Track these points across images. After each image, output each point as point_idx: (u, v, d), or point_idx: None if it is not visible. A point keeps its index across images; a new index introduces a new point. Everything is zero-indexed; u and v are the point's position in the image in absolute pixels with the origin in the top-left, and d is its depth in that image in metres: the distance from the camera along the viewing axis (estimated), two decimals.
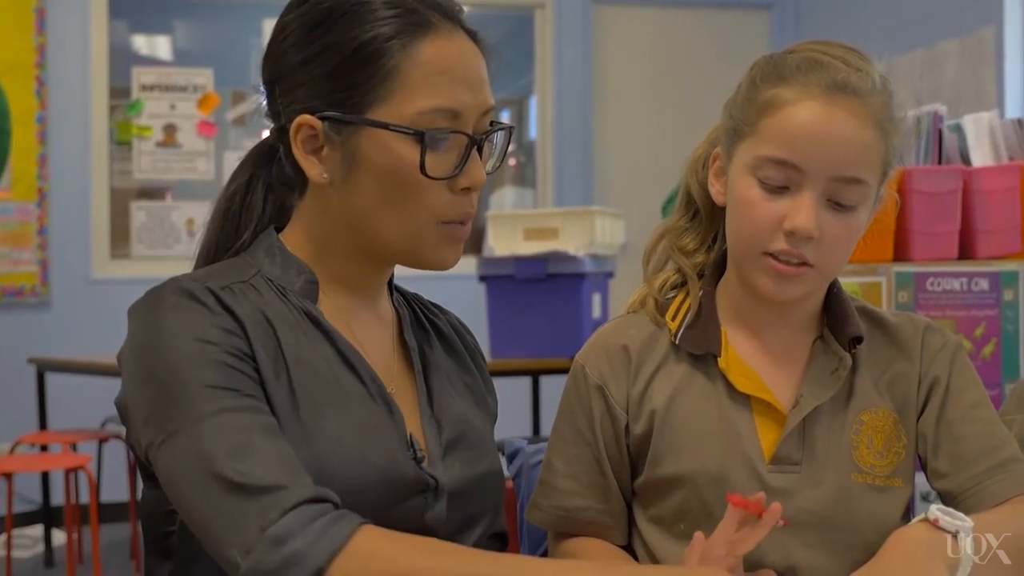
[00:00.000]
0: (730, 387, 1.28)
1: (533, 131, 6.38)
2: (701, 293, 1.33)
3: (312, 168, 1.19)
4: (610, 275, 4.24)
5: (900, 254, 2.67)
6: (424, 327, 1.34)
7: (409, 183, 1.16)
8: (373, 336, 1.26)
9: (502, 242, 4.09)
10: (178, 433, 1.06)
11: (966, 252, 2.74)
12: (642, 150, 6.15)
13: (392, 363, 1.27)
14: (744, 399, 1.28)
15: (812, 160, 1.21)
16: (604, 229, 4.15)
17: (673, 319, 1.33)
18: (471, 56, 1.19)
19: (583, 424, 1.32)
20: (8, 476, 3.98)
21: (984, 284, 2.65)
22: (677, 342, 1.31)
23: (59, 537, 5.03)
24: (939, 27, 5.06)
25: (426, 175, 1.15)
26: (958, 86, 4.90)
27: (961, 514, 1.14)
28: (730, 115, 1.29)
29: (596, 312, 4.04)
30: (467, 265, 4.64)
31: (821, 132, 1.20)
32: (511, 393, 4.63)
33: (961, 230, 2.72)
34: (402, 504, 1.17)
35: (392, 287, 1.34)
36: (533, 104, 6.35)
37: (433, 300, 1.42)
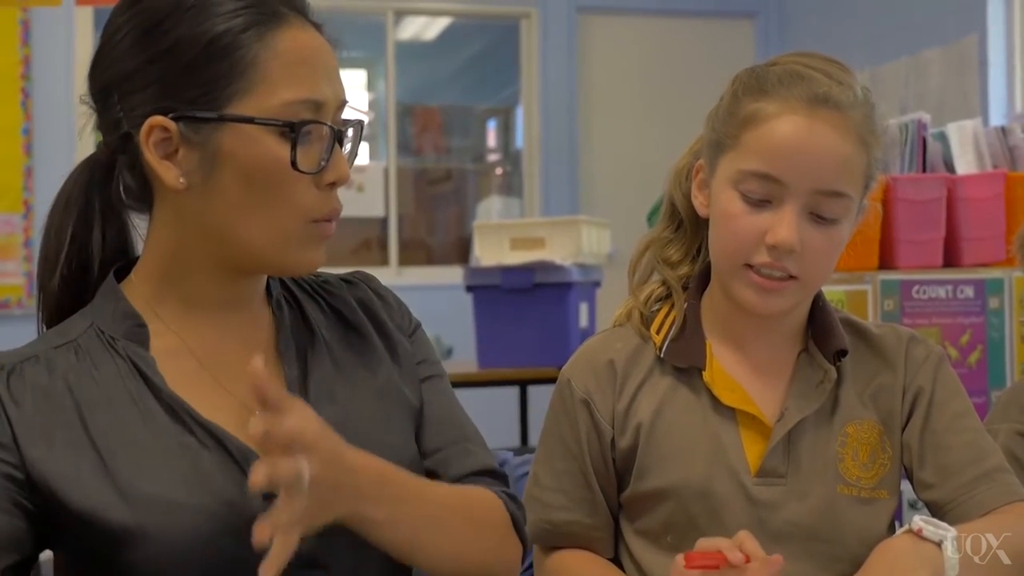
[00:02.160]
0: (715, 400, 1.28)
1: (519, 140, 6.39)
2: (686, 306, 1.33)
3: (168, 172, 1.10)
4: (597, 284, 4.24)
5: (885, 262, 2.68)
6: (310, 325, 1.23)
7: (276, 179, 1.10)
8: (237, 361, 1.13)
9: (489, 252, 4.09)
10: None
11: (951, 260, 2.74)
12: (628, 159, 6.16)
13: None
14: (729, 412, 1.28)
15: (794, 174, 1.21)
16: (591, 238, 4.15)
17: (658, 332, 1.33)
18: (324, 48, 1.15)
19: (569, 438, 1.32)
20: None
21: (969, 292, 2.66)
22: (662, 356, 1.31)
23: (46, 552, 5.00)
24: (923, 35, 5.08)
25: (297, 169, 1.09)
26: (942, 94, 4.92)
27: (944, 524, 1.15)
28: (712, 128, 1.29)
29: (583, 321, 4.04)
30: (454, 275, 4.64)
31: (803, 146, 1.21)
32: (498, 403, 4.63)
33: (946, 238, 2.73)
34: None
35: (270, 287, 1.23)
36: (519, 114, 6.36)
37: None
